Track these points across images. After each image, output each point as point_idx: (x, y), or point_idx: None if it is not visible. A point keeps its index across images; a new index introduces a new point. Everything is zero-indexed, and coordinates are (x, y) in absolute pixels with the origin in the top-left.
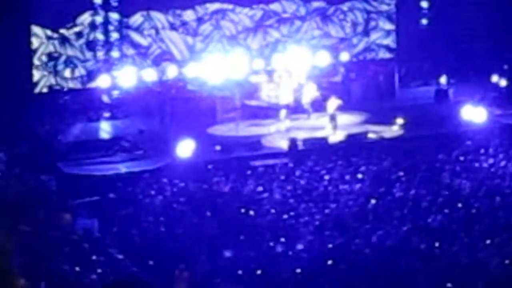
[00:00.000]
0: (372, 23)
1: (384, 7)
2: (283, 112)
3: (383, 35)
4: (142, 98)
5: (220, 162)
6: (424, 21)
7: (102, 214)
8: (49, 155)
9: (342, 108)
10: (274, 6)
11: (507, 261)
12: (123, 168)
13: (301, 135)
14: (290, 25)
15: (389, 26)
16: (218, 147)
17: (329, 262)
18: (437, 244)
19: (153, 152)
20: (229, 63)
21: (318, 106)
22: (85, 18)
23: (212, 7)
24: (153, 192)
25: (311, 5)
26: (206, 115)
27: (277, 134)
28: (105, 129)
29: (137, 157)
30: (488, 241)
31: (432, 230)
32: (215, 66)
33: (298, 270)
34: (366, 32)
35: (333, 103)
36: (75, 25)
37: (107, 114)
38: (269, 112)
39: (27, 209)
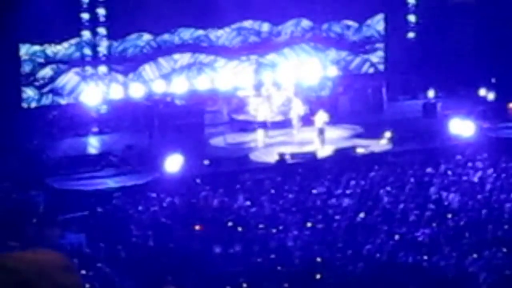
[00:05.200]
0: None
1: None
2: (270, 126)
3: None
4: (130, 113)
5: (208, 176)
6: (411, 35)
7: (90, 229)
8: (37, 170)
9: (330, 122)
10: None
11: (495, 275)
12: (111, 183)
13: (289, 150)
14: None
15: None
16: (206, 162)
17: (318, 276)
18: (425, 258)
19: (141, 167)
20: (216, 78)
21: (306, 120)
22: None
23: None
24: (141, 207)
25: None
26: (194, 129)
27: (266, 149)
28: (93, 144)
29: (125, 172)
30: (476, 255)
31: (421, 244)
32: (203, 81)
33: (286, 285)
34: None
35: (321, 117)
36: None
37: (95, 129)
38: (257, 126)
39: (15, 224)
